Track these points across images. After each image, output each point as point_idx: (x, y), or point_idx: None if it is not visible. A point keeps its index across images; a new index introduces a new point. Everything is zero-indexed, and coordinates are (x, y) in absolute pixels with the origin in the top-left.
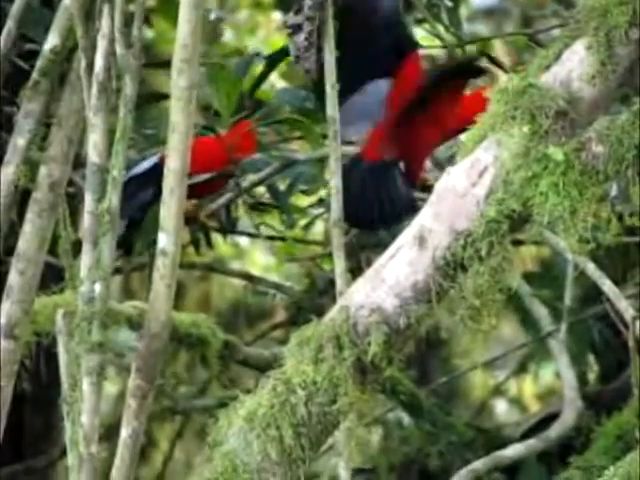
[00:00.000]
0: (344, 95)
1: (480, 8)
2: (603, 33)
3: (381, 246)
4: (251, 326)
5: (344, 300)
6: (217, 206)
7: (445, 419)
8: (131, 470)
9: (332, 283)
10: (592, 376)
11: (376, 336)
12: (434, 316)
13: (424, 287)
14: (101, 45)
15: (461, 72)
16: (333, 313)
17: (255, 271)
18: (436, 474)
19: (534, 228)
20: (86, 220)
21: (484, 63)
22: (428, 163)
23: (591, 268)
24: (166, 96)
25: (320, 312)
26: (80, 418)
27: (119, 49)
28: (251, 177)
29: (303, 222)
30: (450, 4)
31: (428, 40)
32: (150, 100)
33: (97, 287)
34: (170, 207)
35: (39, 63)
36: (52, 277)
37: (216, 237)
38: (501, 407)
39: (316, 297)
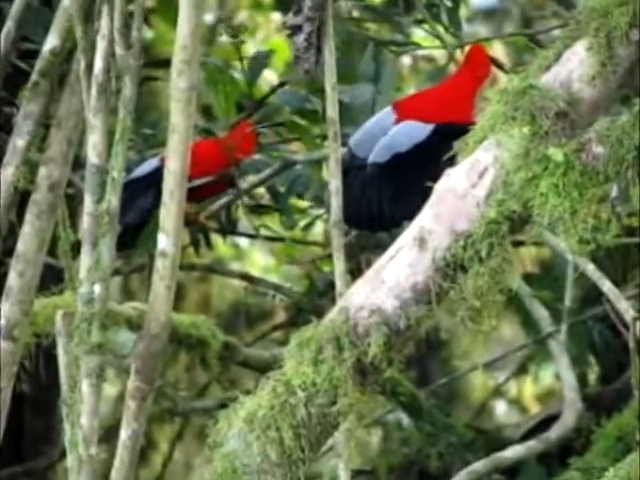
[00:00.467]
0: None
1: (480, 9)
2: (603, 34)
3: (381, 247)
4: (251, 327)
5: (344, 301)
6: (217, 207)
7: (445, 420)
8: (130, 472)
9: (332, 284)
10: (592, 377)
11: (376, 337)
12: (434, 317)
13: (424, 288)
14: (100, 46)
15: None
16: (333, 314)
17: (255, 272)
18: (436, 475)
19: (534, 229)
20: (85, 221)
21: None
22: None
23: (591, 269)
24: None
25: (320, 313)
26: (80, 420)
27: (119, 50)
28: (251, 178)
29: (303, 223)
30: (450, 4)
31: (428, 41)
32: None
33: (96, 288)
34: (170, 208)
35: (38, 64)
36: (51, 278)
37: (216, 238)
38: (501, 408)
39: (316, 298)
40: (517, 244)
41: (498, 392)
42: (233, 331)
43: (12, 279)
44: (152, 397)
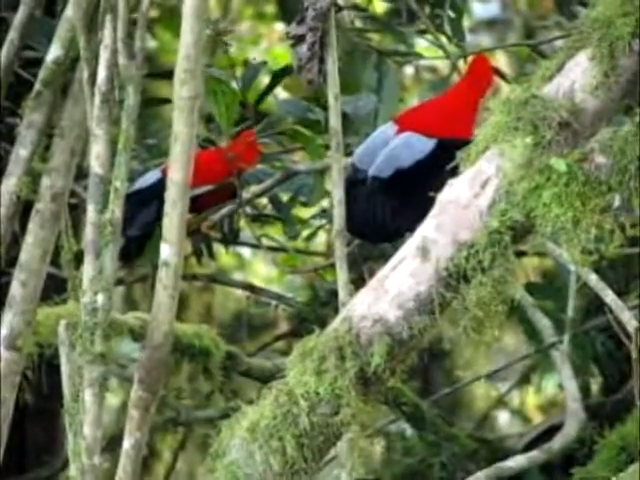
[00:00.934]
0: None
1: (483, 19)
2: (606, 44)
3: (384, 257)
4: (253, 337)
5: (347, 311)
6: (219, 217)
7: (448, 430)
8: None
9: (335, 294)
10: (595, 388)
11: (379, 347)
12: (437, 327)
13: (427, 298)
14: (103, 56)
15: None
16: (336, 324)
17: (257, 282)
18: None
19: (537, 239)
20: (88, 231)
21: None
22: None
23: (594, 279)
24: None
25: (323, 323)
26: (82, 429)
27: (121, 60)
28: (253, 188)
29: (305, 233)
30: (453, 15)
31: (431, 51)
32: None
33: (99, 298)
34: (172, 218)
35: (42, 74)
36: (54, 288)
37: (218, 248)
38: (504, 418)
39: (318, 308)
40: (520, 254)
41: (501, 402)
42: (236, 341)
43: (15, 289)
44: (155, 407)
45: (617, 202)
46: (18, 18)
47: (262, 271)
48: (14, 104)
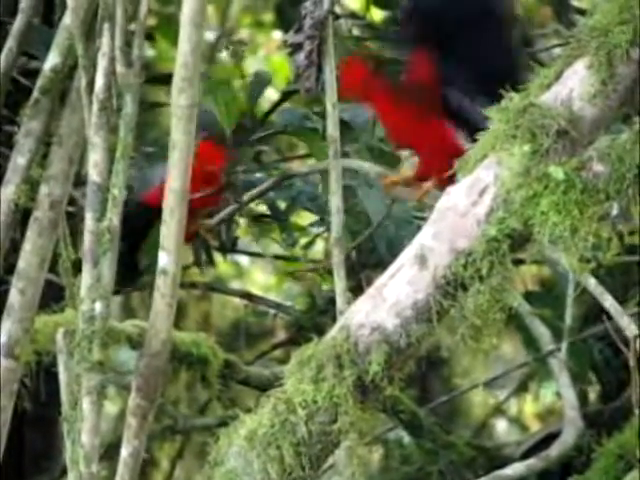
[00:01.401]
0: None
1: None
2: (604, 52)
3: (382, 265)
4: (251, 345)
5: (345, 319)
6: (216, 221)
7: (445, 438)
8: None
9: (332, 302)
10: (593, 395)
11: (377, 355)
12: (435, 335)
13: (425, 306)
14: (101, 64)
15: None
16: (333, 332)
17: (255, 290)
18: None
19: (535, 247)
20: (86, 239)
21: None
22: None
23: (593, 284)
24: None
25: (320, 331)
26: (80, 437)
27: (120, 68)
28: (249, 192)
29: (303, 241)
30: None
31: None
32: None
33: (97, 306)
34: (170, 226)
35: (40, 82)
36: (53, 296)
37: (216, 256)
38: (501, 426)
39: (316, 316)
40: (518, 262)
41: (499, 410)
42: (234, 349)
43: (13, 297)
44: (153, 415)
45: (615, 210)
46: (16, 26)
47: (260, 279)
48: (12, 112)
